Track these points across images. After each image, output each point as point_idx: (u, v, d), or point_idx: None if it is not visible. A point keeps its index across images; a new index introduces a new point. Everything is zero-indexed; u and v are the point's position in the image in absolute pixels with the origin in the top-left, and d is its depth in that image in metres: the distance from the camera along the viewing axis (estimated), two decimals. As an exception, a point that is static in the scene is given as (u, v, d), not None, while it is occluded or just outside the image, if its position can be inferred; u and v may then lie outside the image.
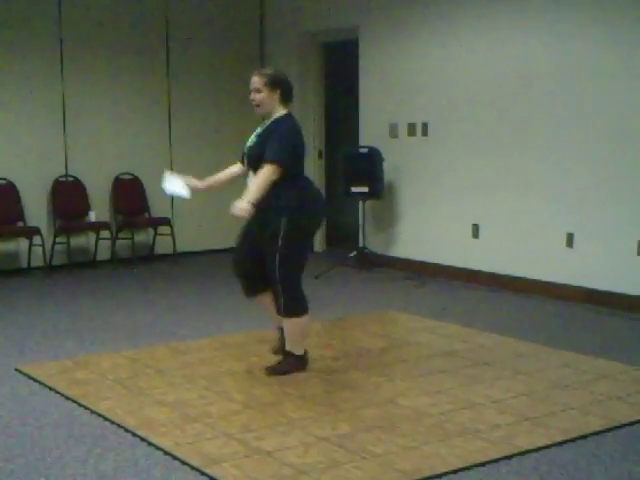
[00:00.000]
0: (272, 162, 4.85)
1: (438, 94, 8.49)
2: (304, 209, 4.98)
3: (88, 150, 9.39)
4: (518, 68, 7.72)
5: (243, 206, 4.74)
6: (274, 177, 4.85)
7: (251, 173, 5.05)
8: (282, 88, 5.03)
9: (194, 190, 5.22)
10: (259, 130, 5.10)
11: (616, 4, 6.94)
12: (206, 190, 5.33)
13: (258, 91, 5.00)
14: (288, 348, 5.19)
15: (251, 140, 5.12)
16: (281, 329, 5.27)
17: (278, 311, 5.10)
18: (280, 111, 5.05)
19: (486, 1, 7.94)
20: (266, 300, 5.25)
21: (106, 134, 9.49)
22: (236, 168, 5.33)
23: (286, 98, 5.07)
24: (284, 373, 5.15)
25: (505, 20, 7.82)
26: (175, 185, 5.18)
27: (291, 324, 5.09)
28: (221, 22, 10.14)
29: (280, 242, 4.89)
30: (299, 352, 5.21)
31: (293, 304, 5.04)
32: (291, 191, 4.94)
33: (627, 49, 6.89)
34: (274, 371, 5.17)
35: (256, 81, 5.01)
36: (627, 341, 6.11)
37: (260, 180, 4.83)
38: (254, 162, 4.99)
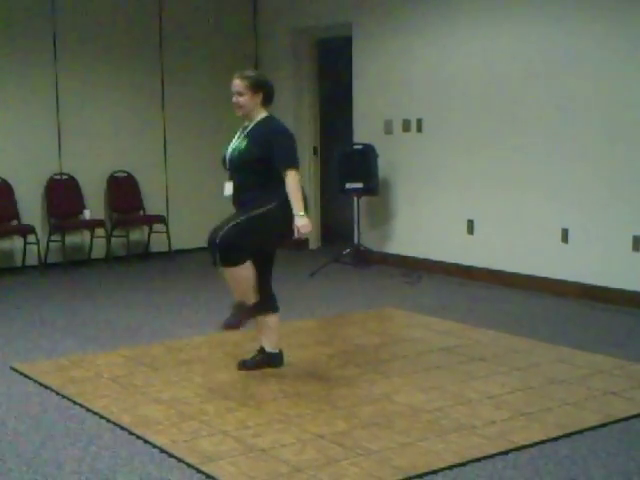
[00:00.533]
0: (292, 167, 4.95)
1: (433, 90, 8.49)
2: (288, 208, 4.95)
3: (82, 148, 9.37)
4: (513, 64, 7.72)
5: (303, 222, 4.88)
6: (299, 180, 4.97)
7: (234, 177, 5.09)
8: (264, 91, 5.07)
9: None
10: (244, 133, 5.10)
11: (618, 5, 6.94)
12: None
13: (240, 94, 5.02)
14: (237, 297, 5.07)
15: (238, 143, 5.09)
16: (261, 348, 5.31)
17: (212, 262, 5.00)
18: (261, 113, 5.09)
19: (480, -3, 7.95)
20: (262, 321, 5.26)
21: (100, 132, 9.47)
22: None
23: (267, 101, 5.12)
24: (242, 322, 5.10)
25: (500, 16, 7.81)
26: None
27: (233, 273, 4.96)
28: (215, 22, 10.11)
29: (253, 215, 4.92)
30: (246, 300, 5.07)
31: (229, 256, 4.89)
32: (280, 186, 4.94)
33: (624, 46, 6.89)
34: (228, 325, 5.08)
35: (238, 84, 5.03)
36: (623, 336, 6.12)
37: (294, 190, 4.91)
38: (244, 164, 5.02)
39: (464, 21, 8.11)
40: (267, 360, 5.30)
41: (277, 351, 5.34)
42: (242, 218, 4.95)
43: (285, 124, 5.18)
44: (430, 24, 8.45)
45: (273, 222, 5.01)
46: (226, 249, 4.92)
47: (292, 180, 4.92)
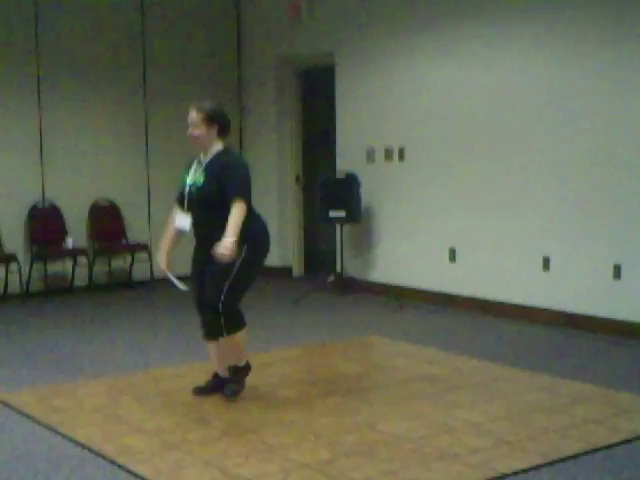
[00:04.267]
0: (241, 198, 4.87)
1: (414, 119, 8.55)
2: (262, 238, 5.11)
3: (65, 176, 9.36)
4: (493, 94, 7.80)
5: (227, 245, 4.75)
6: (245, 213, 4.87)
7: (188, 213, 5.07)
8: (220, 122, 5.01)
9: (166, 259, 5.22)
10: (200, 167, 5.03)
11: (601, 29, 7.03)
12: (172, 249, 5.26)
13: (196, 126, 4.97)
14: (233, 363, 5.18)
15: (196, 179, 5.02)
16: (215, 374, 5.33)
17: (216, 335, 5.07)
18: (217, 145, 5.04)
19: (464, 28, 8.02)
20: (216, 349, 5.27)
21: (83, 160, 9.47)
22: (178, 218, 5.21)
23: (223, 132, 5.05)
24: (241, 389, 5.20)
25: (479, 46, 7.89)
26: (170, 276, 5.17)
27: (233, 340, 5.09)
28: (198, 47, 10.18)
29: (236, 269, 4.92)
30: (242, 363, 5.22)
31: (233, 321, 5.04)
32: (249, 221, 4.93)
33: (608, 75, 6.97)
34: (235, 393, 5.18)
35: (193, 116, 4.98)
36: (604, 364, 6.14)
37: (237, 217, 4.82)
38: (204, 200, 4.97)
39: (445, 51, 8.18)
40: (222, 385, 5.28)
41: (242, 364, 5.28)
42: (229, 278, 4.92)
43: (242, 157, 5.12)
44: (412, 54, 8.52)
45: (255, 264, 5.08)
46: (231, 315, 5.01)
47: (238, 209, 4.83)
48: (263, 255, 5.18)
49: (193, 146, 5.10)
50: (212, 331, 5.12)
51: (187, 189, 5.07)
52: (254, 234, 5.01)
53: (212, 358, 5.34)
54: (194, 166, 5.12)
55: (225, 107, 5.26)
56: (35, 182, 9.19)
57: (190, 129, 5.00)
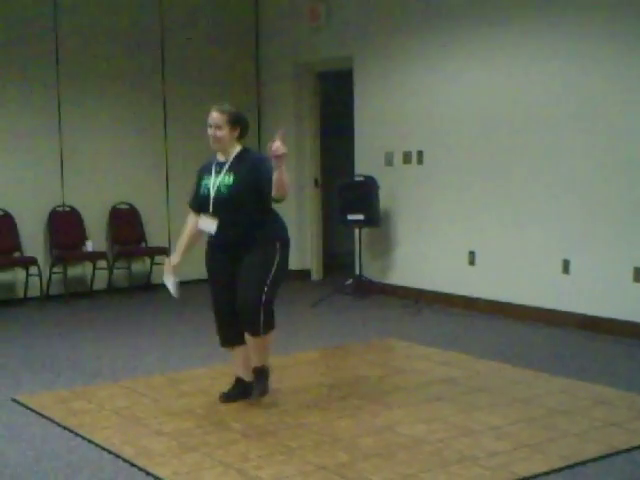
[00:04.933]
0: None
1: (433, 122, 8.54)
2: (288, 241, 5.15)
3: (85, 180, 9.42)
4: (512, 96, 7.77)
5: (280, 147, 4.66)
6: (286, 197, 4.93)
7: (206, 216, 5.07)
8: (242, 126, 5.07)
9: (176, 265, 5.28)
10: (223, 168, 5.03)
11: (610, 34, 7.00)
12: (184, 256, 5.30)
13: (219, 127, 5.00)
14: (260, 363, 5.12)
15: (221, 179, 4.99)
16: (239, 379, 5.27)
17: (253, 333, 4.98)
18: (237, 147, 5.08)
19: (479, 31, 8.01)
20: (243, 353, 5.20)
21: (103, 164, 9.53)
22: (195, 225, 5.21)
23: (243, 135, 5.12)
24: (267, 390, 5.19)
25: (499, 49, 7.88)
26: (169, 281, 5.23)
27: (265, 340, 5.05)
28: (216, 51, 10.21)
29: (275, 267, 4.97)
30: (267, 363, 5.19)
31: (270, 320, 5.02)
32: (276, 221, 5.10)
33: (621, 75, 6.94)
34: (263, 392, 5.16)
35: (217, 117, 5.00)
36: (624, 367, 6.11)
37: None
38: (236, 200, 4.95)
39: (464, 54, 8.17)
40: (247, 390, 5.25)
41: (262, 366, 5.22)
42: (271, 273, 4.96)
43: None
44: (431, 57, 8.51)
45: (286, 263, 5.12)
46: (269, 312, 5.00)
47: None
48: (288, 251, 5.17)
49: (212, 147, 5.10)
50: (250, 329, 4.98)
51: (212, 191, 5.01)
52: (285, 232, 5.14)
53: (236, 363, 5.27)
54: (214, 168, 5.08)
55: (243, 110, 5.27)
56: (55, 186, 9.24)
57: (213, 129, 5.01)
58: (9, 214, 8.94)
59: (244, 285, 4.97)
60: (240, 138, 5.10)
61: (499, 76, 7.88)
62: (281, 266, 5.03)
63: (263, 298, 4.94)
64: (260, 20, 10.49)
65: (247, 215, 4.96)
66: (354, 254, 9.33)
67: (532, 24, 7.57)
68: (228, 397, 5.24)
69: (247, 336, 5.04)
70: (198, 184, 5.17)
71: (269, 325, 5.01)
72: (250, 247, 4.97)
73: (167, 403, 5.29)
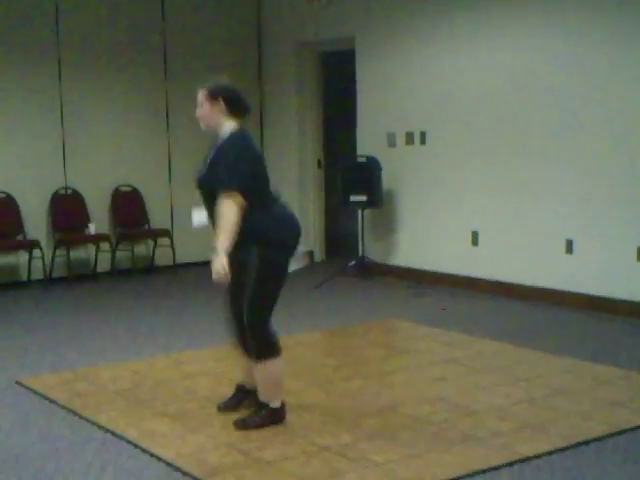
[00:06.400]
0: (228, 191, 4.15)
1: (436, 103, 8.51)
2: (277, 241, 4.33)
3: (87, 162, 9.40)
4: (515, 75, 7.74)
5: (218, 266, 4.09)
6: (236, 209, 4.14)
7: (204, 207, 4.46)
8: (225, 98, 4.37)
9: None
10: (210, 153, 4.44)
11: (615, 12, 6.96)
12: None
13: (199, 105, 4.44)
14: (263, 399, 4.47)
15: (203, 166, 4.44)
16: (239, 387, 4.77)
17: (250, 356, 4.43)
18: (229, 126, 4.39)
19: (483, 10, 7.97)
20: (246, 357, 4.57)
21: (105, 146, 9.51)
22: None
23: (232, 109, 4.39)
24: (256, 427, 4.41)
25: (502, 28, 7.84)
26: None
27: (264, 369, 4.37)
28: (219, 31, 10.16)
29: (255, 278, 4.25)
30: (276, 404, 4.47)
31: (264, 346, 4.33)
32: (257, 221, 4.26)
33: (624, 54, 6.91)
34: (245, 424, 4.43)
35: (199, 96, 4.43)
36: (628, 347, 6.11)
37: (223, 221, 4.11)
38: (207, 195, 4.34)
39: (466, 33, 8.13)
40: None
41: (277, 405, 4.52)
42: (244, 294, 4.27)
43: (246, 138, 4.39)
44: (433, 37, 8.47)
45: (275, 268, 4.33)
46: (259, 336, 4.32)
47: (223, 209, 4.13)
48: (281, 255, 4.36)
49: (203, 130, 4.59)
50: (246, 351, 4.45)
51: (196, 183, 4.47)
52: (268, 229, 4.31)
53: (239, 365, 4.75)
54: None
55: (243, 89, 4.68)
56: (57, 169, 9.23)
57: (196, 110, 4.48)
58: (12, 197, 8.93)
59: (227, 300, 4.51)
60: (233, 113, 4.41)
61: (503, 55, 7.85)
62: (266, 275, 4.26)
63: (245, 321, 4.31)
64: (262, 0, 10.43)
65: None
66: (357, 235, 9.33)
67: (536, 0, 7.53)
68: (226, 406, 4.73)
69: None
70: None
71: (264, 352, 4.34)
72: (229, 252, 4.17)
73: (170, 385, 5.30)
